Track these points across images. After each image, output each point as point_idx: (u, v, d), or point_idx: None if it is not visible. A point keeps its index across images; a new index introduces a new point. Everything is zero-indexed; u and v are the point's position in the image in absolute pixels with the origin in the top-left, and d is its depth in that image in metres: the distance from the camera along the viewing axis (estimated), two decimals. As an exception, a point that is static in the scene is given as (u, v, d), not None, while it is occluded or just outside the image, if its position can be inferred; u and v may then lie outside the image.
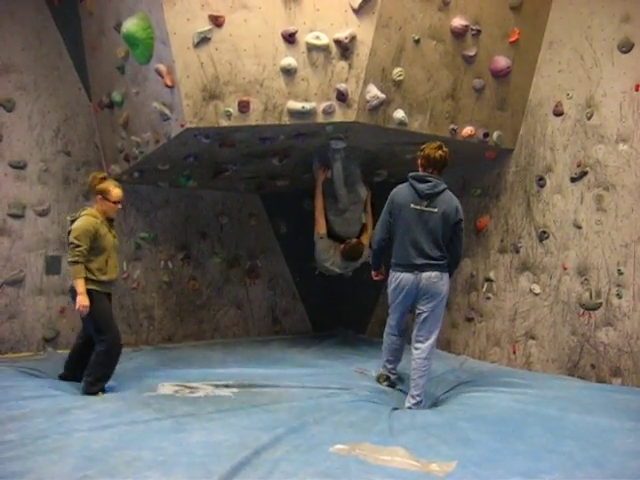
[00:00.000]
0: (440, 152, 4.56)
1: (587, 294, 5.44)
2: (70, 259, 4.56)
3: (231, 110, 4.96)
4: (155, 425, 3.75)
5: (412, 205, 4.53)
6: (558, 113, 5.78)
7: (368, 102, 4.98)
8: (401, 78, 5.09)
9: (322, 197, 6.31)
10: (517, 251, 6.09)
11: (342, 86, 4.90)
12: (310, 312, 8.59)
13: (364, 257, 6.38)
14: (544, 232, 5.83)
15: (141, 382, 4.95)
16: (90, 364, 4.64)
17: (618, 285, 5.22)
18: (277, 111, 4.99)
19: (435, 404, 4.67)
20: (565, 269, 5.64)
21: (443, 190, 4.56)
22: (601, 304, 5.33)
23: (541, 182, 5.90)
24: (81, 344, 4.95)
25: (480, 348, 6.43)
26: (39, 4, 6.49)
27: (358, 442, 3.46)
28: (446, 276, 4.63)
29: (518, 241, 6.09)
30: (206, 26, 4.79)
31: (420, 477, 3.03)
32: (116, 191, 4.84)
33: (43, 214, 6.49)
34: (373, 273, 5.10)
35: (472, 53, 5.43)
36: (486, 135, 5.80)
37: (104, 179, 4.89)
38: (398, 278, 4.65)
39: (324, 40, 4.81)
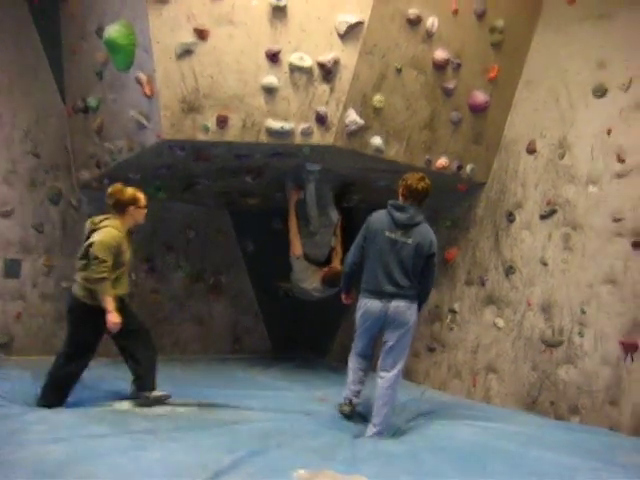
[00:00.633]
0: (422, 184, 4.54)
1: (550, 331, 5.49)
2: (97, 275, 4.35)
3: (209, 124, 4.91)
4: (111, 441, 3.63)
5: (387, 233, 4.51)
6: (531, 151, 5.88)
7: (347, 127, 4.99)
8: (381, 105, 5.12)
9: (296, 218, 6.28)
10: (483, 284, 6.14)
11: (322, 109, 4.91)
12: (271, 332, 8.50)
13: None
14: (511, 267, 5.89)
15: (98, 396, 4.80)
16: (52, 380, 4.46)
17: (581, 324, 5.27)
18: (255, 129, 4.96)
19: (397, 433, 4.64)
20: (529, 305, 5.69)
21: (420, 222, 4.55)
22: (563, 342, 5.38)
23: (511, 217, 5.97)
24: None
25: (440, 379, 6.43)
26: (18, 1, 6.37)
27: (321, 469, 3.40)
28: (414, 306, 4.59)
29: (485, 274, 6.13)
30: (190, 38, 4.76)
31: (383, 508, 2.99)
32: (141, 195, 4.68)
33: (6, 215, 6.33)
34: (343, 296, 5.04)
35: (452, 86, 5.50)
36: (460, 167, 5.86)
37: (125, 188, 4.65)
38: (366, 304, 4.60)
39: (307, 62, 4.82)
